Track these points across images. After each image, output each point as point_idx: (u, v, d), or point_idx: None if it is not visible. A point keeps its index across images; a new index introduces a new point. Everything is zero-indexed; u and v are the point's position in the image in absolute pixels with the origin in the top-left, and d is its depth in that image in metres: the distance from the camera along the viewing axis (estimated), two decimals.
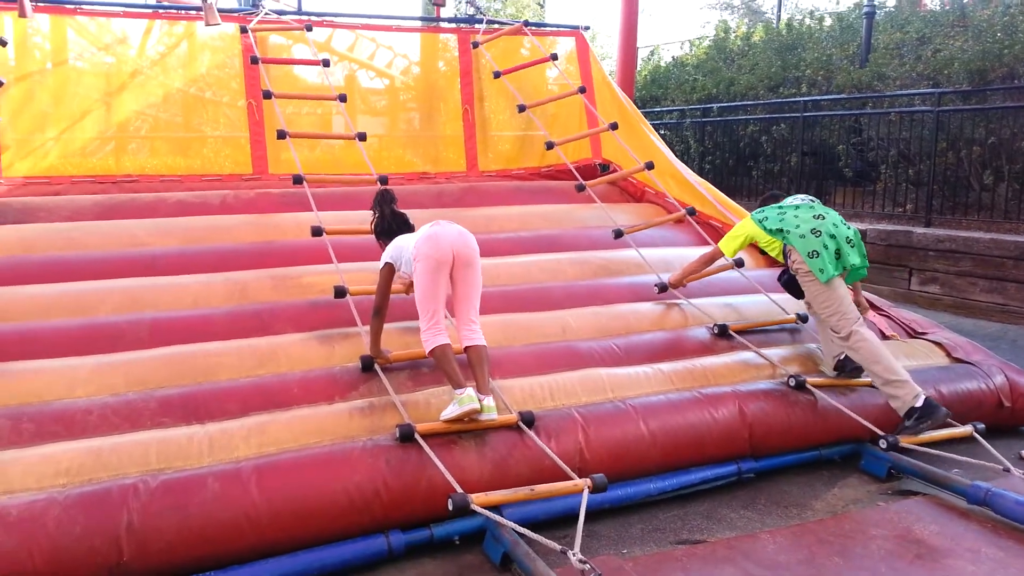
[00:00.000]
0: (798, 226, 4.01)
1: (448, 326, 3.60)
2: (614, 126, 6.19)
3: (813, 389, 3.95)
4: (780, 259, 4.24)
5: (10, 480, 2.87)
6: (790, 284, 4.29)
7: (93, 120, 6.01)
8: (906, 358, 4.45)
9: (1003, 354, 4.98)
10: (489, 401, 3.40)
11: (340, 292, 4.14)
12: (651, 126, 6.92)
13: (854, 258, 4.00)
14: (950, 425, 3.86)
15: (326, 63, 6.07)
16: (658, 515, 3.46)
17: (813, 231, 3.97)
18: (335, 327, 4.07)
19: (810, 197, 4.36)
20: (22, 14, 5.65)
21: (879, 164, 9.18)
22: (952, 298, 7.47)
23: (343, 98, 5.80)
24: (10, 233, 4.66)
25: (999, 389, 4.28)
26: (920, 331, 4.89)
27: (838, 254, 3.95)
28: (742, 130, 10.83)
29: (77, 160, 5.92)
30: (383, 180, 5.03)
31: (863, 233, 8.24)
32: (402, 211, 4.04)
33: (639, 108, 7.58)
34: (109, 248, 4.67)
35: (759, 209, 4.34)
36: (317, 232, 4.55)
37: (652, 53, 16.93)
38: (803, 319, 4.65)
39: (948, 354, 4.58)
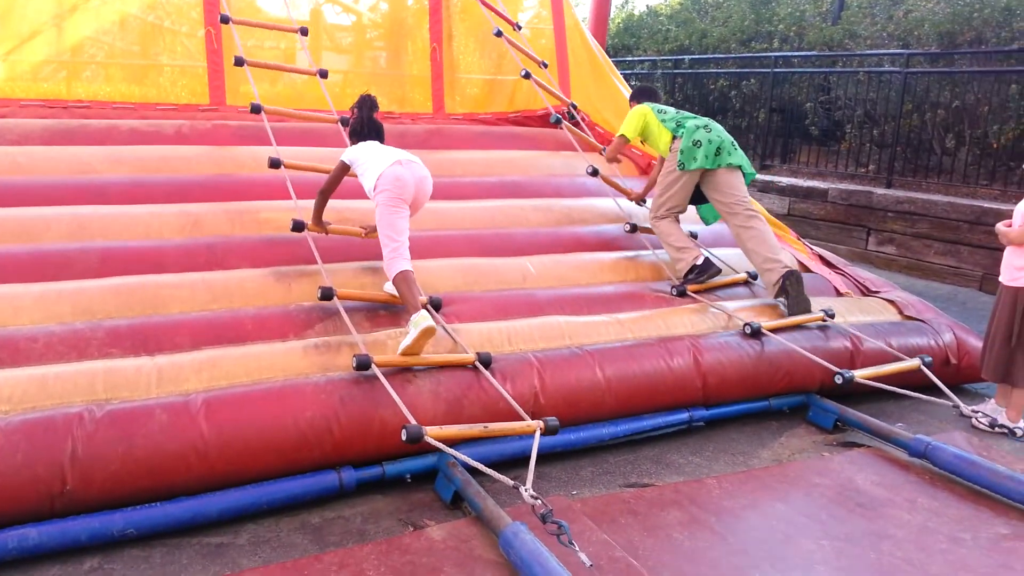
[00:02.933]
0: (695, 122, 4.61)
1: None
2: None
3: (768, 334, 4.01)
4: (662, 154, 4.82)
5: None
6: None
7: (43, 42, 5.72)
8: (860, 313, 4.54)
9: (953, 315, 5.09)
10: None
11: (298, 226, 3.98)
12: (621, 76, 6.84)
13: (737, 159, 4.53)
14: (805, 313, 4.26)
15: None
16: (609, 459, 3.51)
17: (705, 127, 4.57)
18: (291, 264, 4.00)
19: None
20: None
21: (845, 124, 9.22)
22: (907, 259, 7.60)
23: (304, 31, 5.61)
24: None
25: (947, 346, 4.39)
26: (874, 289, 4.98)
27: (718, 151, 4.49)
28: (712, 84, 10.78)
29: (26, 83, 5.65)
30: (344, 121, 4.90)
31: (825, 192, 8.32)
32: (378, 120, 4.05)
33: (611, 57, 7.47)
34: (58, 174, 4.48)
35: (650, 104, 4.87)
36: (275, 164, 4.40)
37: (626, 1, 16.69)
38: (753, 277, 4.72)
39: (900, 311, 4.67)
